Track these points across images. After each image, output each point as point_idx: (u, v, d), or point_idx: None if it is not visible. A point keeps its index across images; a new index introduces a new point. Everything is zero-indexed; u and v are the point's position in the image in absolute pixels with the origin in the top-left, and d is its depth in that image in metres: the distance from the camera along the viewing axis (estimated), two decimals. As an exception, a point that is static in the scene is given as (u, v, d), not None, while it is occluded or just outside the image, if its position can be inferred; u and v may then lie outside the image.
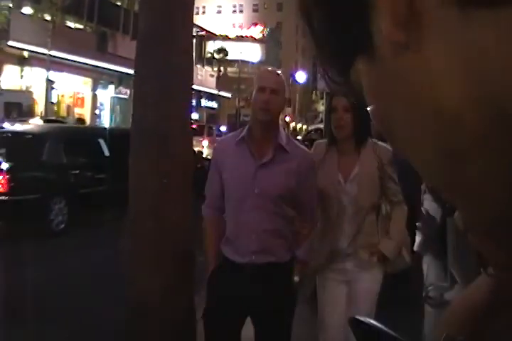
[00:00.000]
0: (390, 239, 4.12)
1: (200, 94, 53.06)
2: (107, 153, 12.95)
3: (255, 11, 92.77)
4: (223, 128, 53.51)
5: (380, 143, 4.13)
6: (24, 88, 34.28)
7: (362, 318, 1.59)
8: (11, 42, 31.68)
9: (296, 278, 3.75)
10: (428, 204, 9.19)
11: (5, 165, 10.71)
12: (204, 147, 30.30)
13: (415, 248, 7.89)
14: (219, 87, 57.60)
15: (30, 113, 29.45)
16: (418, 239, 8.17)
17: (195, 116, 46.55)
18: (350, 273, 4.14)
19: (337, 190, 4.05)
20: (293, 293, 3.81)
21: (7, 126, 16.38)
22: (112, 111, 44.27)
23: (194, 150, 7.93)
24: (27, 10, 34.14)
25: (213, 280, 3.76)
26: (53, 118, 28.30)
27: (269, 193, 3.61)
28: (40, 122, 21.20)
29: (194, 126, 43.55)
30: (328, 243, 4.12)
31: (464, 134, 0.45)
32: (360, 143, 4.08)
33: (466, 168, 0.47)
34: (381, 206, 4.17)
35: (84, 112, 41.09)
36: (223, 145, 3.92)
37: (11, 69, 33.42)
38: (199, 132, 42.35)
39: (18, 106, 28.05)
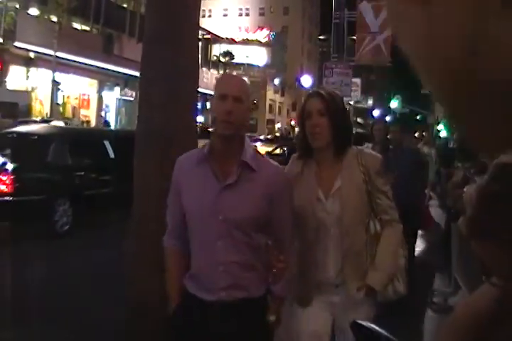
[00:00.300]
0: (378, 270, 3.46)
1: (205, 97, 53.04)
2: (112, 154, 12.96)
3: (261, 14, 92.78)
4: None
5: (366, 150, 3.69)
6: (30, 89, 34.38)
7: (363, 323, 1.59)
8: (17, 43, 31.79)
9: (272, 317, 3.23)
10: (433, 211, 9.21)
11: (10, 166, 10.71)
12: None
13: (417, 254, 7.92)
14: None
15: (27, 113, 29.46)
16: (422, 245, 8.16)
17: (200, 119, 46.58)
18: (336, 307, 3.56)
19: (317, 209, 3.45)
20: (268, 332, 3.27)
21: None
22: (118, 113, 44.35)
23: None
24: (33, 11, 34.24)
25: (177, 320, 3.27)
26: (51, 119, 28.14)
27: (235, 219, 3.09)
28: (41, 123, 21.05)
29: (211, 129, 43.57)
30: (313, 273, 3.51)
31: None
32: (340, 151, 3.49)
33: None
34: (369, 225, 3.52)
35: (90, 114, 41.18)
36: (183, 164, 3.31)
37: (17, 70, 33.50)
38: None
39: (14, 106, 27.96)
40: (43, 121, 23.24)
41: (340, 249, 3.44)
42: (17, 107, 28.28)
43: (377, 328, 1.52)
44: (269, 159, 3.37)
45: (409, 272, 4.00)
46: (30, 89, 34.52)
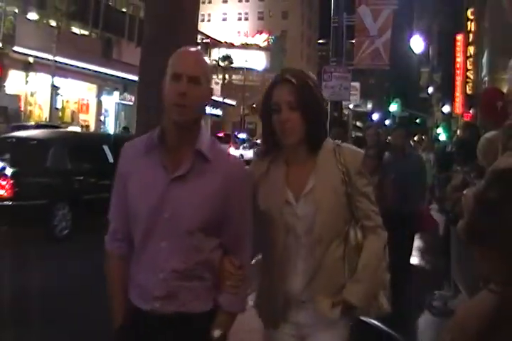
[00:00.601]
0: (359, 282, 2.88)
1: (204, 101, 53.13)
2: (111, 159, 12.97)
3: (260, 18, 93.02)
4: (242, 136, 53.79)
5: (345, 145, 3.08)
6: (29, 93, 34.42)
7: (364, 318, 1.60)
8: (16, 48, 31.86)
9: (216, 332, 2.67)
10: (433, 215, 9.21)
11: (10, 171, 10.73)
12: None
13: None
14: (224, 94, 57.72)
15: (16, 117, 29.41)
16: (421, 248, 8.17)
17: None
18: (304, 328, 2.98)
19: (285, 213, 2.89)
20: None
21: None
22: (117, 117, 44.37)
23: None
24: (32, 16, 34.32)
25: (122, 336, 2.84)
26: (46, 123, 28.00)
27: (183, 219, 2.60)
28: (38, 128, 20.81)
29: (221, 135, 43.83)
30: (280, 288, 2.94)
31: None
32: (315, 147, 2.96)
33: None
34: (349, 233, 2.95)
35: (89, 118, 41.20)
36: (129, 152, 2.84)
37: (16, 75, 33.55)
38: (226, 140, 42.82)
39: (2, 110, 27.84)
40: (38, 126, 22.87)
41: (312, 260, 2.89)
42: (6, 111, 28.19)
43: (379, 324, 1.53)
44: (226, 149, 2.89)
45: (404, 277, 3.78)
46: (29, 93, 34.58)
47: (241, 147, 45.65)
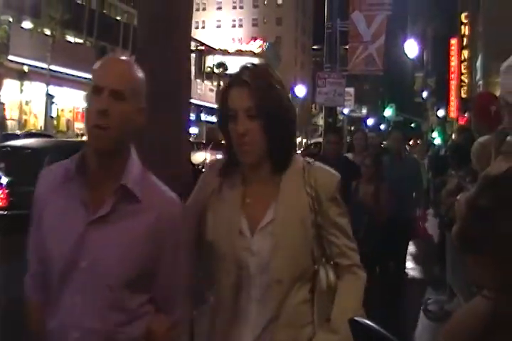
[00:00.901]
0: (335, 333, 2.27)
1: (199, 109, 53.23)
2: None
3: (255, 25, 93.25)
4: None
5: (317, 164, 2.43)
6: (24, 102, 34.43)
7: (361, 320, 1.59)
8: (10, 57, 31.89)
9: None
10: (428, 220, 9.23)
11: (4, 180, 10.70)
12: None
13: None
14: (218, 101, 57.80)
15: (1, 125, 29.35)
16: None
17: (194, 130, 46.65)
18: None
19: (238, 247, 2.30)
20: None
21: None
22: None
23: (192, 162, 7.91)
24: (27, 24, 34.37)
25: None
26: (35, 131, 27.93)
27: (103, 270, 2.11)
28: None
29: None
30: (223, 340, 2.36)
31: None
32: (279, 165, 2.35)
33: None
34: (319, 273, 2.35)
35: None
36: (45, 179, 2.33)
37: (10, 84, 33.55)
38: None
39: None
40: (28, 134, 22.67)
41: (266, 308, 2.29)
42: None
43: (374, 326, 1.52)
44: (163, 185, 2.32)
45: (398, 284, 3.62)
46: (24, 102, 34.60)
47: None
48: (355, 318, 1.44)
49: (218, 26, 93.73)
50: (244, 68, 2.36)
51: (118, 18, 45.88)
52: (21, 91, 34.57)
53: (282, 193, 2.32)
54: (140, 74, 2.22)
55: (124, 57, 2.27)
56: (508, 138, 2.77)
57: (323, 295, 2.33)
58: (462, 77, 46.63)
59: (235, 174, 2.39)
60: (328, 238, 2.36)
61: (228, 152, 2.39)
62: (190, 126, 5.76)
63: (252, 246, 2.30)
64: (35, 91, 34.64)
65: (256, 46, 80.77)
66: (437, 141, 50.14)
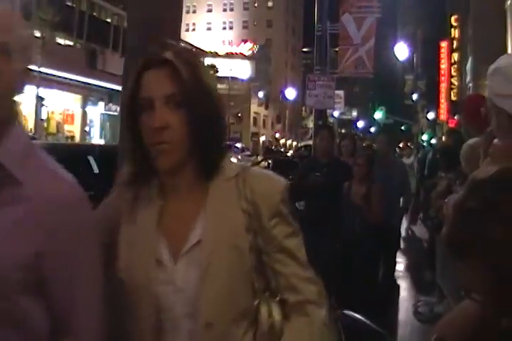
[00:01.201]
0: None
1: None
2: (96, 169, 12.94)
3: (245, 27, 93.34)
4: (239, 145, 54.52)
5: (256, 170, 1.90)
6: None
7: (349, 313, 1.60)
8: (0, 59, 31.75)
9: None
10: (415, 226, 9.23)
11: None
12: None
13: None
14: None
15: None
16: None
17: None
18: None
19: (155, 280, 1.72)
20: None
21: None
22: (102, 127, 44.35)
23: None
24: (17, 27, 34.25)
25: None
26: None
27: None
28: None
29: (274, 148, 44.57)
30: None
31: None
32: (207, 171, 1.78)
33: None
34: (260, 312, 1.76)
35: (74, 129, 41.16)
36: None
37: (0, 86, 33.42)
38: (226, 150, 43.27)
39: None
40: None
41: None
42: None
43: (362, 319, 1.52)
44: (58, 167, 1.77)
45: (389, 290, 3.52)
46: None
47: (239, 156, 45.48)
48: (345, 312, 1.45)
49: (209, 29, 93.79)
50: (164, 45, 1.82)
51: (108, 20, 45.82)
52: (11, 93, 34.48)
53: (210, 208, 1.75)
54: (25, 28, 1.81)
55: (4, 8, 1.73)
56: (495, 140, 2.78)
57: (264, 339, 1.75)
58: (452, 80, 46.78)
59: (149, 186, 1.82)
60: (272, 266, 1.78)
61: (137, 157, 1.81)
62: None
63: (175, 278, 1.72)
64: (25, 93, 34.41)
65: (246, 48, 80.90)
66: (433, 140, 50.13)
